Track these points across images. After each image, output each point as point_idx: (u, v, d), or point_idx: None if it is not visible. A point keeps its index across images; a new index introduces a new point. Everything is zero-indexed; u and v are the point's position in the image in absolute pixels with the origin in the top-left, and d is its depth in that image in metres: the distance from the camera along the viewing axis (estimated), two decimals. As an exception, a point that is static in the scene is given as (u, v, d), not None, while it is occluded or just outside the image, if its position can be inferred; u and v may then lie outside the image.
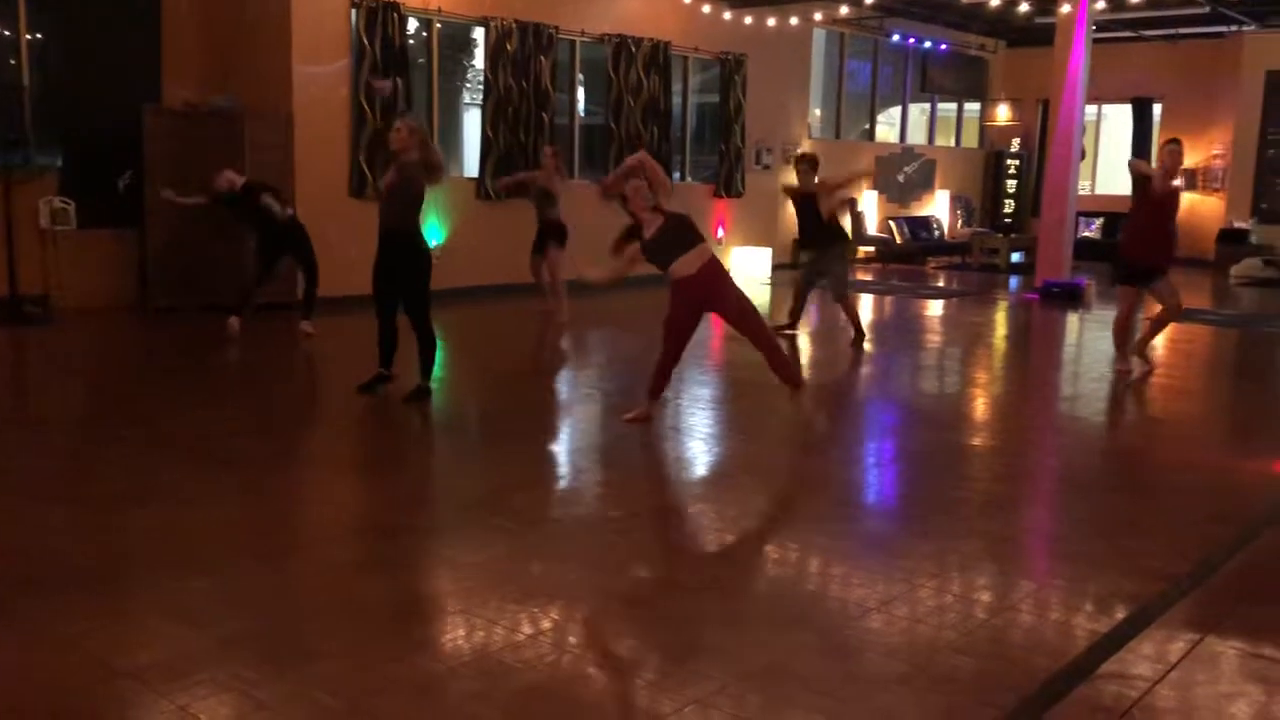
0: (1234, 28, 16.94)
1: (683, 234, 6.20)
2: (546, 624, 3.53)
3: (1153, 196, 8.05)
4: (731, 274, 6.29)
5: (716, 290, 6.20)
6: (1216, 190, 18.14)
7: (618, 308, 11.76)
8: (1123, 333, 8.36)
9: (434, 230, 11.56)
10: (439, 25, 11.84)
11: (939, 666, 3.33)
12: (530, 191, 10.32)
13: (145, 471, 5.23)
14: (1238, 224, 17.32)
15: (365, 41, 10.69)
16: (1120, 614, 3.73)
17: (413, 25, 11.80)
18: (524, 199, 10.67)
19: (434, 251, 11.49)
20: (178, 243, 10.13)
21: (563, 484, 5.40)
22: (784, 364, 6.39)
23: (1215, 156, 18.15)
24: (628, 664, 3.26)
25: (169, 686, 3.03)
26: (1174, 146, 8.25)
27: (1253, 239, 16.91)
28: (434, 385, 6.93)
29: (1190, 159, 18.40)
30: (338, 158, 10.72)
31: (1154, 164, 8.94)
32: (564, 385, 8.12)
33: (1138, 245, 8.22)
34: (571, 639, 3.44)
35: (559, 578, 3.95)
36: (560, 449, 6.13)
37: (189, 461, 5.42)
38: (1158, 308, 8.41)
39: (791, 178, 10.66)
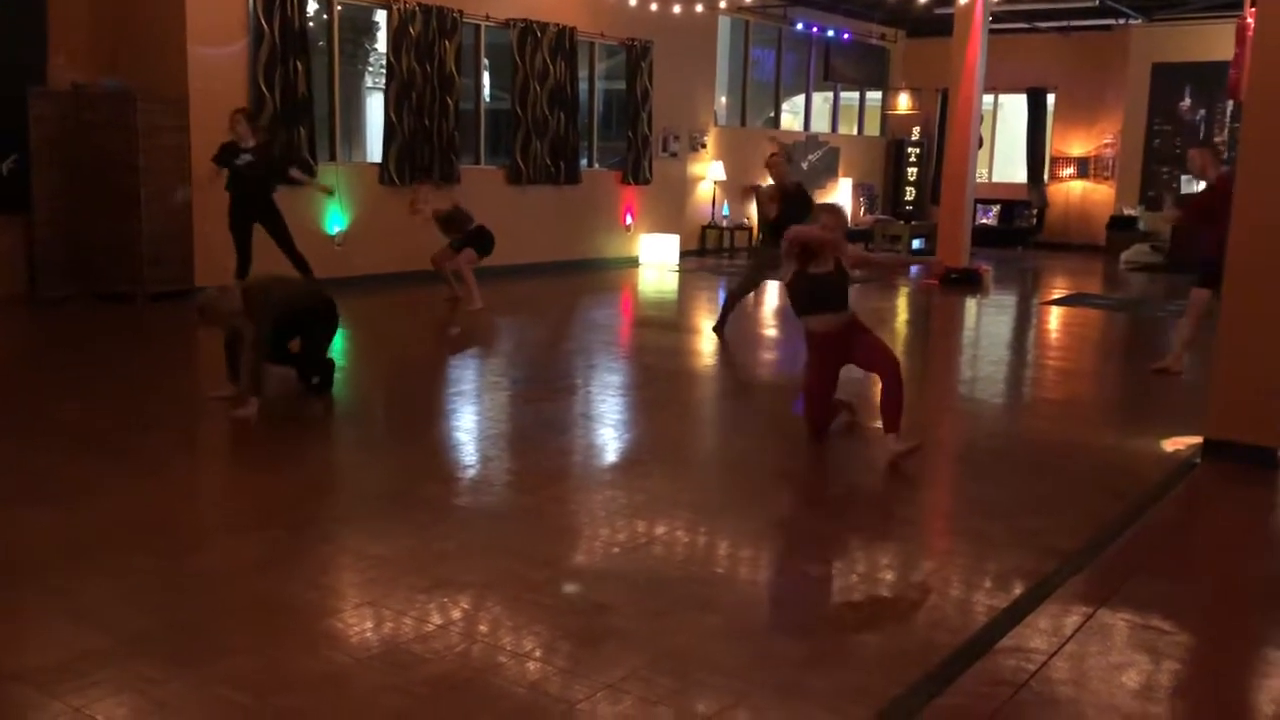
0: (1122, 21, 17.51)
1: (839, 296, 5.68)
2: (456, 614, 3.51)
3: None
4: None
5: (853, 339, 5.71)
6: (1106, 178, 18.76)
7: (526, 295, 11.71)
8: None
9: (336, 217, 11.36)
10: (340, 7, 11.60)
11: (845, 645, 3.40)
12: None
13: (36, 467, 5.04)
14: (1127, 211, 17.93)
15: (264, 24, 10.43)
16: (1018, 590, 3.84)
17: (313, 7, 11.56)
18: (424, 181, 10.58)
19: (336, 240, 11.35)
20: (67, 229, 9.78)
21: (471, 473, 5.37)
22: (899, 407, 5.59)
23: (1105, 145, 18.76)
24: (539, 652, 3.26)
25: (63, 688, 2.94)
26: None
27: (1141, 225, 17.52)
28: (337, 375, 6.79)
29: (1081, 148, 19.03)
30: (236, 142, 10.43)
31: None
32: (472, 373, 8.05)
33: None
34: (482, 628, 3.42)
35: (468, 567, 3.92)
36: (468, 437, 6.09)
37: (82, 456, 5.24)
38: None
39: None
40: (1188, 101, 17.77)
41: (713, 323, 9.19)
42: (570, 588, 3.79)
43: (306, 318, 6.43)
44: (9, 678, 3.01)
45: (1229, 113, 17.21)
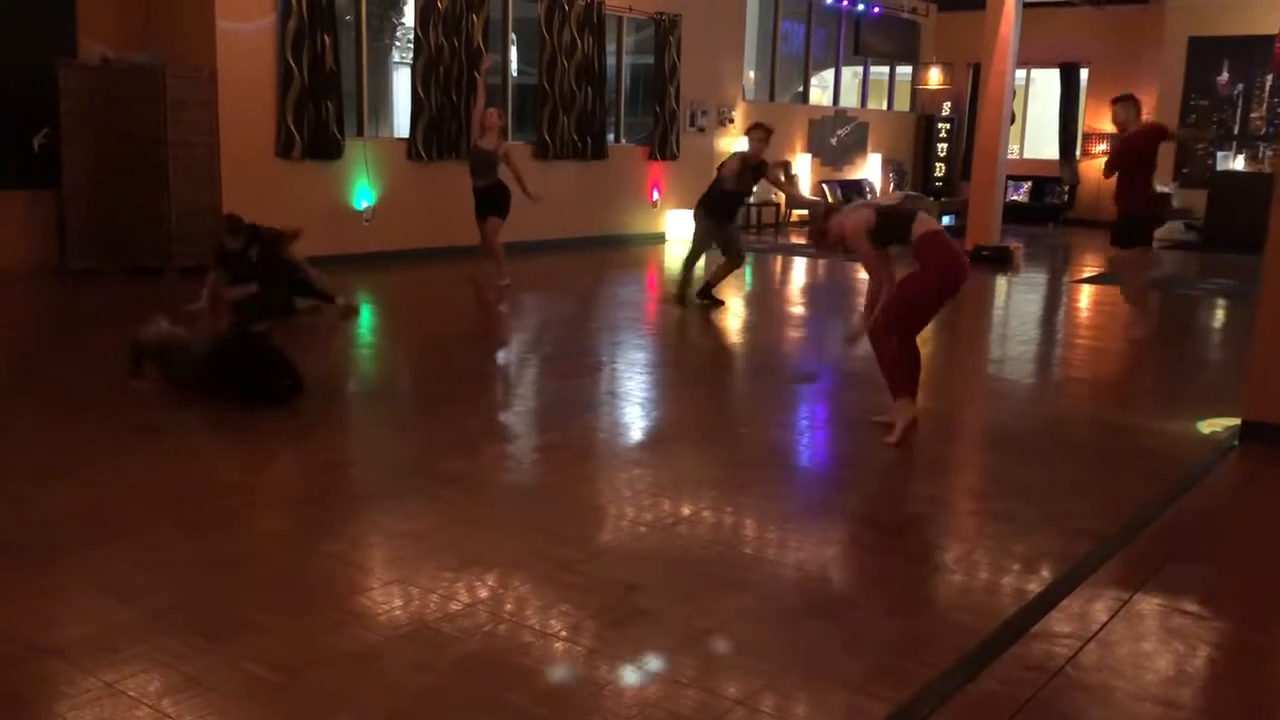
0: (1159, -7, 17.23)
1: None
2: (484, 592, 3.50)
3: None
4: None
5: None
6: (1140, 155, 18.47)
7: (552, 271, 11.69)
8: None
9: (364, 192, 11.36)
10: (367, -19, 11.56)
11: (875, 628, 3.37)
12: (471, 153, 9.89)
13: (65, 441, 5.07)
14: (1160, 188, 17.65)
15: (291, -3, 10.40)
16: (1051, 574, 3.80)
17: (340, -19, 11.50)
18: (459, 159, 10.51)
19: (364, 215, 11.34)
20: (97, 203, 9.81)
21: (497, 450, 5.35)
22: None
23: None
24: (566, 631, 3.24)
25: (95, 663, 2.95)
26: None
27: (1175, 203, 17.27)
28: (364, 351, 6.80)
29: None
30: (264, 117, 10.44)
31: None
32: (499, 349, 8.04)
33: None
34: (509, 607, 3.41)
35: (495, 544, 3.91)
36: (495, 414, 6.07)
37: (110, 430, 5.27)
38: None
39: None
40: (1225, 76, 17.46)
41: (739, 299, 9.13)
42: (597, 567, 3.77)
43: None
44: (42, 652, 3.03)
45: (1268, 87, 16.91)
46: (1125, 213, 8.37)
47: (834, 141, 17.94)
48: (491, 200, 9.75)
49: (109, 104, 9.76)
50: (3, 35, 9.57)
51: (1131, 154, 8.27)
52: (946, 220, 17.23)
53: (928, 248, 5.22)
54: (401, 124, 13.90)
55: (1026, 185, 19.00)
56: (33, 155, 9.77)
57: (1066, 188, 18.87)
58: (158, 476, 4.63)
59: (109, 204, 9.83)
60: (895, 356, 5.38)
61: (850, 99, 19.08)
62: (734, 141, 15.99)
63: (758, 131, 9.43)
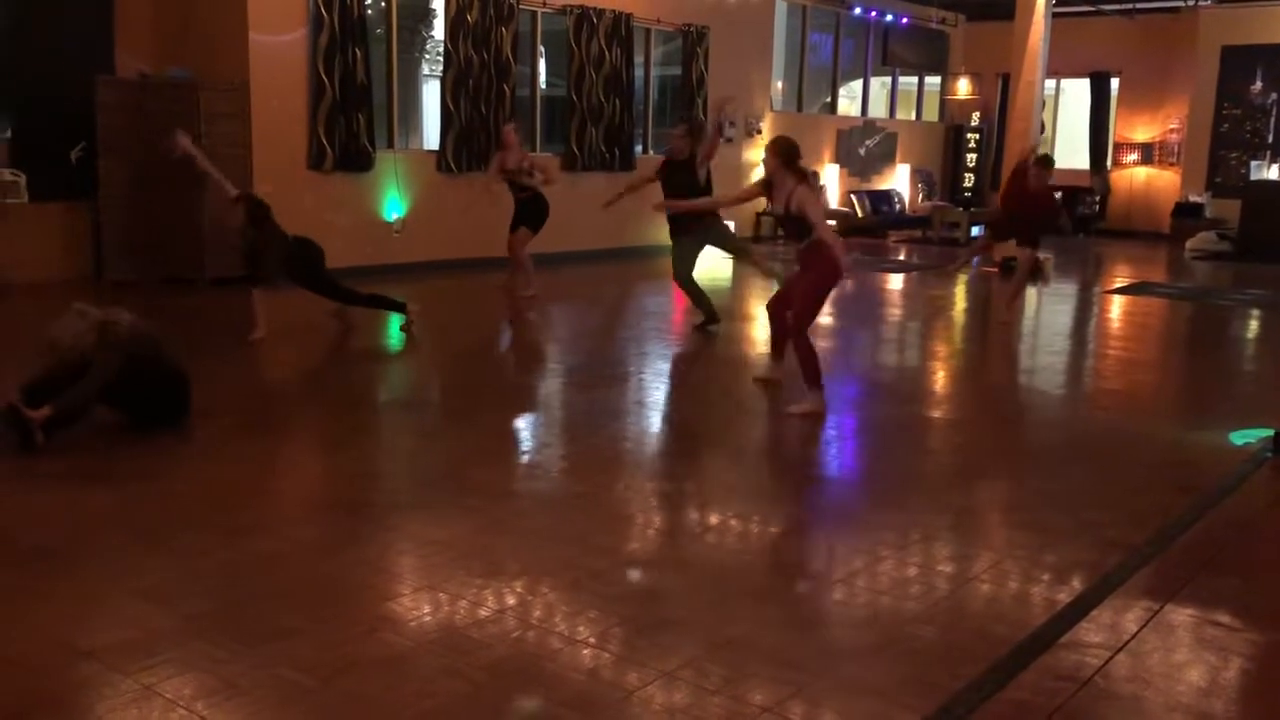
0: (1191, 2, 17.10)
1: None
2: (512, 600, 3.53)
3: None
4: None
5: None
6: (1172, 165, 18.35)
7: (579, 282, 11.73)
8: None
9: (395, 204, 11.45)
10: (398, -5, 11.68)
11: (903, 638, 3.37)
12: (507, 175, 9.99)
13: (102, 448, 5.14)
14: (1193, 198, 17.53)
15: (323, 11, 10.52)
16: (1081, 584, 3.78)
17: (371, -5, 11.63)
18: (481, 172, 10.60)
19: (394, 226, 11.43)
20: (133, 215, 9.95)
21: (526, 459, 5.39)
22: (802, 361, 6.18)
23: (1171, 131, 18.35)
24: (593, 638, 3.26)
25: (133, 666, 3.00)
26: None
27: (1207, 213, 17.13)
28: (395, 361, 6.85)
29: (1146, 134, 18.65)
30: (296, 130, 10.57)
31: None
32: (525, 360, 8.08)
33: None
34: (537, 614, 3.44)
35: (523, 553, 3.94)
36: (523, 424, 6.11)
37: (144, 438, 5.33)
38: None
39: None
40: (1259, 85, 17.30)
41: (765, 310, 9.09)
42: (625, 575, 3.79)
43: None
44: (82, 655, 3.08)
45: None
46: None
47: (862, 152, 17.91)
48: (523, 211, 9.85)
49: (145, 118, 9.90)
50: (43, 52, 9.73)
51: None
52: (975, 231, 17.15)
53: (812, 254, 6.08)
54: (431, 136, 14.01)
55: (1057, 196, 18.87)
56: (70, 168, 9.92)
57: (1097, 198, 18.73)
58: (194, 484, 4.69)
59: (144, 216, 9.97)
60: (806, 354, 6.09)
61: (878, 109, 19.05)
62: (761, 152, 15.99)
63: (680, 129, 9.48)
